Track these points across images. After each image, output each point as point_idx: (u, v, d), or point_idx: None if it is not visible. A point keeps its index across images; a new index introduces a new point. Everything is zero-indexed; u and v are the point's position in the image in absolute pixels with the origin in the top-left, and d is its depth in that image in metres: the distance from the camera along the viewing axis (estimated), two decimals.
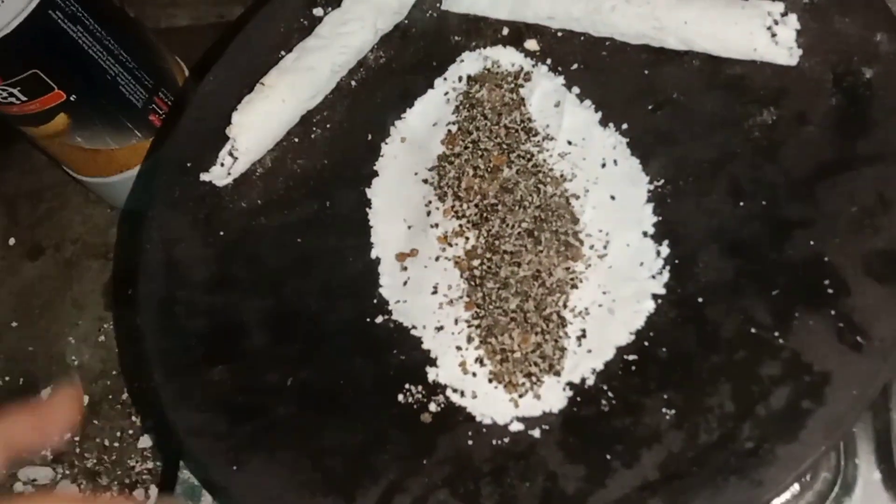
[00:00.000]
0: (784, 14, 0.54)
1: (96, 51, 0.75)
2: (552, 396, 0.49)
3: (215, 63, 0.65)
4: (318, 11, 0.64)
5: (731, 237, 0.52)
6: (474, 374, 0.51)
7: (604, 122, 0.56)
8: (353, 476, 0.50)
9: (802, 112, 0.53)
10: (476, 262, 0.53)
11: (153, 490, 0.77)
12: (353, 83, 0.62)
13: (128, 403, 0.81)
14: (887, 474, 0.53)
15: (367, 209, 0.57)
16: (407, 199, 0.57)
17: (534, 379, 0.50)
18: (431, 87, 0.61)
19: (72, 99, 0.74)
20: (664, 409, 0.48)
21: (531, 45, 0.60)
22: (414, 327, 0.53)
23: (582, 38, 0.59)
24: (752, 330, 0.49)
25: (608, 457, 0.48)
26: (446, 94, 0.59)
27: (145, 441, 0.79)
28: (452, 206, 0.55)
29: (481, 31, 0.62)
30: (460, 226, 0.54)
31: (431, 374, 0.51)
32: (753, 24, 0.54)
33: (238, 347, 0.55)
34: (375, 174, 0.58)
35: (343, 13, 0.62)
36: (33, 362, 0.84)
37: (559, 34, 0.60)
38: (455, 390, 0.51)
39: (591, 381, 0.50)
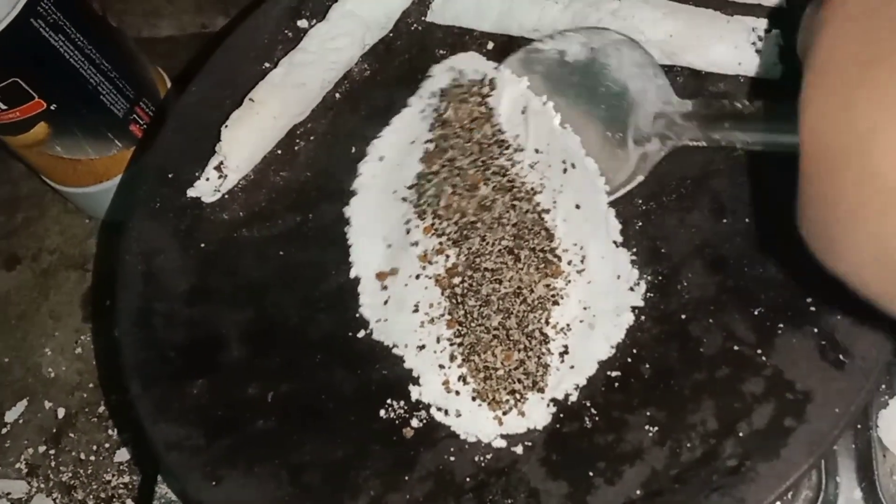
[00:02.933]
0: (768, 30, 0.54)
1: (78, 60, 0.74)
2: (536, 413, 0.49)
3: (198, 73, 0.65)
4: (302, 23, 0.64)
5: (713, 254, 0.52)
6: (458, 393, 0.50)
7: (562, 122, 0.56)
8: (334, 491, 0.49)
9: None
10: (457, 280, 0.52)
11: None
12: (338, 95, 0.62)
13: (104, 416, 0.80)
14: (868, 493, 0.53)
15: (347, 227, 0.57)
16: (386, 217, 0.56)
17: (517, 396, 0.49)
18: (406, 105, 0.60)
19: (52, 108, 0.74)
20: (647, 426, 0.48)
21: None
22: (395, 346, 0.53)
23: None
24: (735, 347, 0.48)
25: (591, 474, 0.47)
26: (422, 111, 0.59)
27: (122, 455, 0.79)
28: (432, 225, 0.54)
29: (466, 44, 0.62)
30: (440, 244, 0.54)
31: (414, 392, 0.51)
32: (738, 38, 0.54)
33: (217, 360, 0.55)
34: (354, 193, 0.58)
35: (331, 27, 0.62)
36: (9, 374, 0.83)
37: None
38: (439, 409, 0.50)
39: (574, 398, 0.49)
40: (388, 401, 0.51)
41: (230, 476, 0.50)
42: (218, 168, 0.59)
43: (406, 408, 0.51)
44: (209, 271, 0.58)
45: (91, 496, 0.77)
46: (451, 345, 0.51)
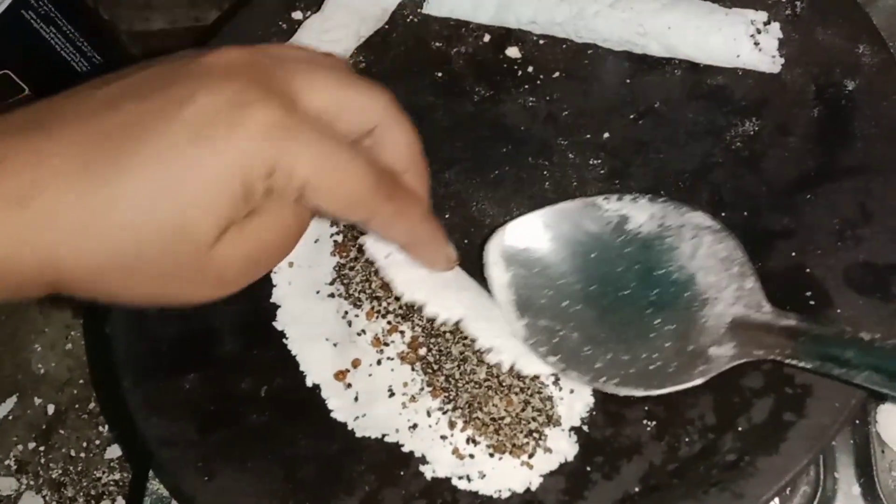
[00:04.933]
0: (767, 23, 0.54)
1: (69, 52, 0.73)
2: (562, 445, 0.48)
3: None
4: (297, 15, 0.64)
5: None
6: (472, 456, 0.48)
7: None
8: (328, 486, 0.49)
9: (784, 123, 0.53)
10: (423, 351, 0.51)
11: (120, 501, 0.75)
12: None
13: (95, 413, 0.80)
14: (867, 488, 0.53)
15: (284, 340, 0.54)
16: (320, 319, 0.54)
17: (536, 435, 0.48)
18: None
19: None
20: (645, 421, 0.47)
21: (513, 52, 0.60)
22: (386, 435, 0.50)
23: (564, 45, 0.59)
24: None
25: (588, 468, 0.47)
26: None
27: (112, 451, 0.78)
28: (373, 308, 0.52)
29: (462, 36, 0.61)
30: (389, 323, 0.52)
31: (427, 472, 0.49)
32: (737, 30, 0.54)
33: (210, 354, 0.54)
34: (277, 306, 0.55)
35: (325, 19, 0.61)
36: None
37: (541, 42, 0.59)
38: (460, 478, 0.48)
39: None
40: (402, 492, 0.49)
41: (223, 471, 0.50)
42: None
43: (423, 489, 0.48)
44: None
45: (81, 493, 0.76)
46: (445, 413, 0.49)
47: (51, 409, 0.80)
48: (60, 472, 0.78)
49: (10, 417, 0.80)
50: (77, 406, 0.80)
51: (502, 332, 0.49)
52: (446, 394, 0.50)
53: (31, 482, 0.77)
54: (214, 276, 0.40)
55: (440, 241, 0.48)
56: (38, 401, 0.80)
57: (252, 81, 0.38)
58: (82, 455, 0.78)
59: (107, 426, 0.78)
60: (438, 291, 0.51)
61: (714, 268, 0.48)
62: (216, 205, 0.38)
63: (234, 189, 0.38)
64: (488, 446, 0.48)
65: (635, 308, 0.48)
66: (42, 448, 0.78)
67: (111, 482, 0.77)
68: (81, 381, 0.81)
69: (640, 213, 0.50)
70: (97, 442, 0.78)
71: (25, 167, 0.36)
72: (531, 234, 0.51)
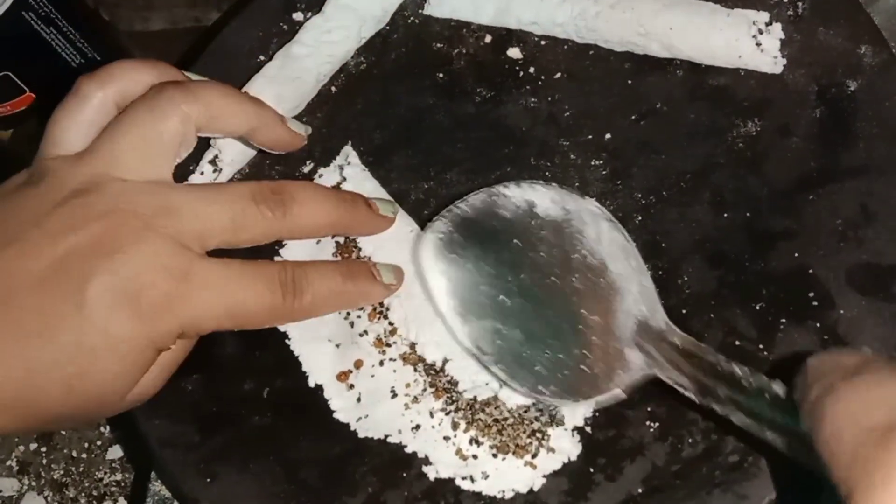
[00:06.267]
0: (769, 23, 0.54)
1: (69, 53, 0.73)
2: (565, 445, 0.48)
3: (191, 68, 0.64)
4: (297, 16, 0.63)
5: (714, 248, 0.51)
6: (475, 457, 0.48)
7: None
8: (331, 488, 0.49)
9: (786, 124, 0.53)
10: (426, 362, 0.51)
11: (122, 502, 0.75)
12: (334, 89, 0.61)
13: None
14: None
15: (287, 340, 0.54)
16: (322, 319, 0.53)
17: (539, 435, 0.48)
18: None
19: (43, 102, 0.73)
20: (648, 422, 0.47)
21: (514, 53, 0.60)
22: (388, 436, 0.50)
23: (565, 46, 0.59)
24: (736, 342, 0.48)
25: (591, 469, 0.47)
26: None
27: (114, 452, 0.78)
28: (375, 309, 0.53)
29: (463, 37, 0.61)
30: (390, 324, 0.52)
31: (431, 472, 0.49)
32: (739, 31, 0.54)
33: (212, 355, 0.54)
34: None
35: (326, 20, 0.61)
36: None
37: (542, 42, 0.59)
38: (463, 478, 0.48)
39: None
40: (405, 493, 0.49)
41: (225, 472, 0.50)
42: (213, 162, 0.58)
43: (426, 490, 0.49)
44: None
45: (83, 494, 0.76)
46: (447, 414, 0.49)
47: None
48: (62, 472, 0.77)
49: None
50: None
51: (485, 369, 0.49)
52: (449, 395, 0.50)
53: (33, 483, 0.77)
54: (130, 404, 0.46)
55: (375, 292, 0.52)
56: None
57: (141, 258, 0.42)
58: (84, 456, 0.78)
59: (108, 427, 0.78)
60: (429, 327, 0.51)
61: (618, 256, 0.47)
62: (132, 372, 0.43)
63: (147, 356, 0.43)
64: (491, 447, 0.48)
65: (564, 297, 0.47)
66: (44, 449, 0.78)
67: (113, 483, 0.77)
68: None
69: (543, 198, 0.49)
70: (99, 443, 0.78)
71: None
72: (453, 233, 0.50)
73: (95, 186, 0.43)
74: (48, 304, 0.40)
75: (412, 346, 0.51)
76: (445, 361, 0.50)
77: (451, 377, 0.50)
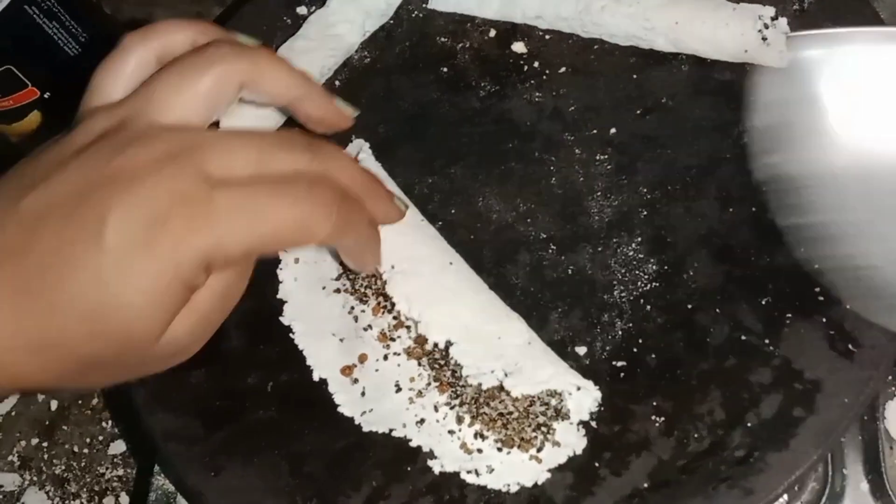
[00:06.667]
0: (774, 18, 0.54)
1: (72, 47, 0.73)
2: (570, 439, 0.47)
3: None
4: (301, 10, 0.63)
5: (720, 243, 0.51)
6: (480, 451, 0.48)
7: None
8: (335, 481, 0.49)
9: None
10: (430, 346, 0.51)
11: (124, 497, 0.75)
12: (338, 83, 0.61)
13: (98, 409, 0.79)
14: (875, 484, 0.53)
15: (291, 334, 0.54)
16: (326, 314, 0.54)
17: (545, 429, 0.47)
18: None
19: (45, 96, 0.73)
20: (653, 417, 0.47)
21: (518, 47, 0.60)
22: (393, 430, 0.50)
23: (570, 40, 0.59)
24: (743, 337, 0.48)
25: (596, 464, 0.47)
26: None
27: (115, 447, 0.78)
28: (379, 304, 0.52)
29: (468, 32, 0.61)
30: (394, 318, 0.52)
31: (436, 466, 0.48)
32: (745, 25, 0.53)
33: (216, 349, 0.53)
34: (283, 302, 0.55)
35: (330, 14, 0.61)
36: None
37: (547, 37, 0.59)
38: (469, 472, 0.48)
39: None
40: (410, 488, 0.49)
41: (230, 466, 0.50)
42: None
43: (430, 483, 0.48)
44: None
45: (84, 489, 0.76)
46: (452, 408, 0.49)
47: (54, 404, 0.80)
48: (64, 467, 0.77)
49: (13, 413, 0.80)
50: (80, 402, 0.79)
51: (490, 354, 0.49)
52: (453, 389, 0.49)
53: (35, 478, 0.77)
54: (167, 355, 0.42)
55: (378, 244, 0.48)
56: (41, 396, 0.80)
57: (162, 187, 0.39)
58: (85, 451, 0.78)
59: (110, 422, 0.78)
60: (435, 307, 0.51)
61: None
62: (159, 310, 0.39)
63: (174, 294, 0.39)
64: (496, 441, 0.48)
65: None
66: (45, 444, 0.78)
67: (114, 478, 0.76)
68: None
69: None
70: (100, 438, 0.78)
71: None
72: None
73: (123, 126, 0.42)
74: (67, 239, 0.39)
75: (416, 338, 0.51)
76: (449, 344, 0.50)
77: (455, 361, 0.49)
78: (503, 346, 0.49)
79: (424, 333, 0.50)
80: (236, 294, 0.43)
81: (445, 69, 0.60)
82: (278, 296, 0.55)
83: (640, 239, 0.52)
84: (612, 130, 0.56)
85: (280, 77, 0.46)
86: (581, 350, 0.50)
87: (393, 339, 0.52)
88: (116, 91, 0.44)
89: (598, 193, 0.54)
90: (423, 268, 0.52)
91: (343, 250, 0.48)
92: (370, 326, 0.52)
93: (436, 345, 0.50)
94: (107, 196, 0.39)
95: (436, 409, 0.49)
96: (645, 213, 0.53)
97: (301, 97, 0.47)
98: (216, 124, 0.47)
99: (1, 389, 0.40)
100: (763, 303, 0.49)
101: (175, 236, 0.39)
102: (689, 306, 0.50)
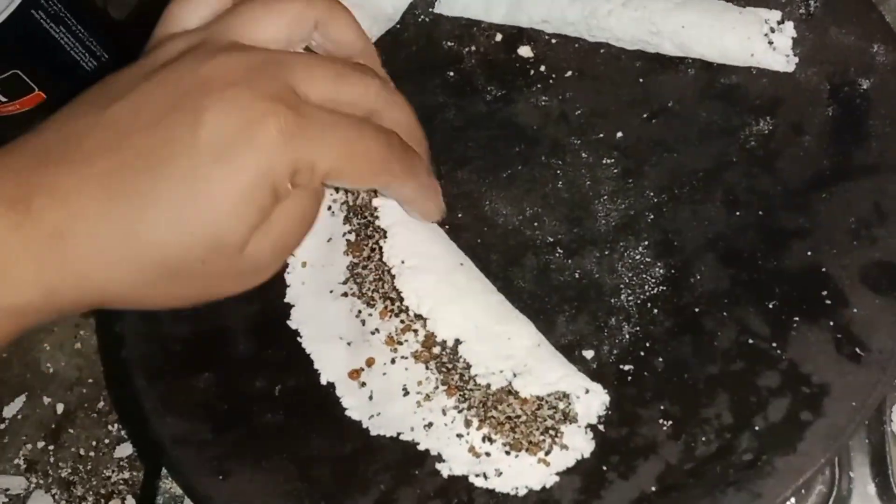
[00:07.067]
0: (781, 22, 0.54)
1: (78, 52, 0.73)
2: (578, 442, 0.47)
3: None
4: None
5: (727, 246, 0.51)
6: (488, 454, 0.48)
7: None
8: (343, 485, 0.49)
9: (799, 122, 0.53)
10: (437, 349, 0.51)
11: (130, 501, 0.75)
12: None
13: (104, 412, 0.79)
14: (882, 488, 0.53)
15: (299, 338, 0.54)
16: (334, 318, 0.54)
17: (553, 432, 0.47)
18: None
19: (52, 101, 0.73)
20: (661, 420, 0.47)
21: (525, 51, 0.60)
22: (401, 433, 0.50)
23: (576, 44, 0.59)
24: (750, 340, 0.48)
25: (604, 468, 0.47)
26: (329, 207, 0.56)
27: (122, 451, 0.78)
28: (386, 307, 0.53)
29: (474, 36, 0.61)
30: (402, 321, 0.52)
31: (444, 470, 0.48)
32: (751, 29, 0.54)
33: (224, 353, 0.54)
34: (290, 306, 0.55)
35: None
36: (7, 369, 0.82)
37: (553, 41, 0.59)
38: (477, 475, 0.48)
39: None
40: (417, 491, 0.49)
41: (238, 470, 0.50)
42: None
43: (439, 487, 0.48)
44: None
45: (91, 492, 0.76)
46: (460, 411, 0.49)
47: (60, 408, 0.80)
48: (70, 471, 0.77)
49: (20, 417, 0.80)
50: (86, 405, 0.80)
51: (499, 354, 0.49)
52: (461, 392, 0.49)
53: (41, 481, 0.77)
54: (249, 270, 0.42)
55: (438, 193, 0.50)
56: (47, 400, 0.80)
57: (255, 91, 0.39)
58: (91, 454, 0.78)
59: (116, 425, 0.78)
60: (444, 304, 0.51)
61: None
62: (247, 214, 0.40)
63: (263, 197, 0.40)
64: (504, 444, 0.48)
65: None
66: (51, 447, 0.78)
67: (121, 481, 0.77)
68: (90, 381, 0.81)
69: None
70: (106, 441, 0.78)
71: (54, 204, 0.38)
72: None
73: (207, 43, 0.42)
74: (160, 140, 0.39)
75: (424, 341, 0.51)
76: (458, 343, 0.50)
77: (464, 364, 0.49)
78: (512, 347, 0.49)
79: (433, 330, 0.50)
80: (310, 220, 0.44)
81: (452, 73, 0.60)
82: (286, 300, 0.55)
83: (646, 243, 0.52)
84: (619, 134, 0.56)
85: (349, 25, 0.47)
86: (588, 354, 0.50)
87: (400, 343, 0.52)
88: (192, 20, 0.45)
89: (605, 197, 0.54)
90: (434, 265, 0.52)
91: (407, 200, 0.50)
92: (377, 330, 0.52)
93: (444, 345, 0.50)
94: (201, 98, 0.39)
95: (444, 412, 0.49)
96: (652, 216, 0.53)
97: (363, 51, 0.48)
98: None
99: (79, 304, 0.39)
100: (770, 306, 0.49)
101: (271, 139, 0.39)
102: (697, 310, 0.50)
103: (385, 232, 0.52)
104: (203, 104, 0.39)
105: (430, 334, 0.51)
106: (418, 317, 0.51)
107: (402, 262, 0.51)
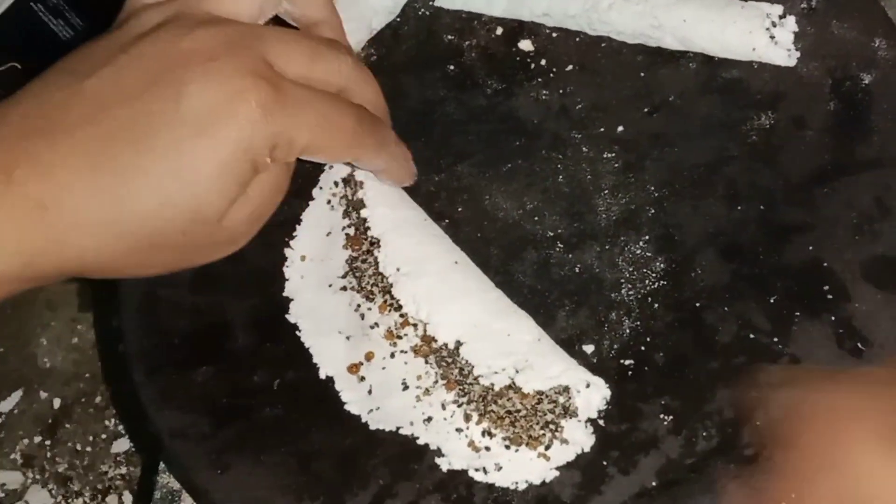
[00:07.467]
0: (782, 16, 0.54)
1: (77, 44, 0.73)
2: (578, 436, 0.47)
3: None
4: None
5: (728, 241, 0.51)
6: (488, 449, 0.48)
7: None
8: (342, 479, 0.48)
9: (800, 116, 0.53)
10: (438, 345, 0.51)
11: (127, 496, 0.75)
12: None
13: (101, 407, 0.79)
14: None
15: (297, 332, 0.54)
16: (333, 312, 0.53)
17: (553, 427, 0.47)
18: (311, 199, 0.57)
19: None
20: (661, 415, 0.47)
21: (526, 45, 0.59)
22: (400, 428, 0.50)
23: (577, 38, 0.59)
24: (751, 335, 0.48)
25: (604, 462, 0.47)
26: (328, 201, 0.56)
27: (118, 446, 0.78)
28: (385, 302, 0.52)
29: (475, 29, 0.61)
30: (401, 316, 0.52)
31: (443, 464, 0.48)
32: (753, 23, 0.54)
33: (223, 347, 0.54)
34: (289, 299, 0.55)
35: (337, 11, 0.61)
36: (4, 364, 0.82)
37: (554, 34, 0.59)
38: (476, 469, 0.48)
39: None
40: (418, 486, 0.48)
41: (237, 464, 0.50)
42: None
43: (438, 482, 0.48)
44: None
45: (87, 487, 0.76)
46: (459, 406, 0.49)
47: (57, 403, 0.80)
48: (66, 466, 0.77)
49: (16, 412, 0.80)
50: (83, 400, 0.80)
51: (500, 352, 0.49)
52: (461, 387, 0.49)
53: (38, 476, 0.77)
54: (225, 240, 0.44)
55: (409, 158, 0.52)
56: (44, 395, 0.80)
57: (236, 66, 0.40)
58: (88, 449, 0.78)
59: (113, 420, 0.78)
60: (442, 307, 0.51)
61: None
62: (227, 186, 0.41)
63: (243, 171, 0.41)
64: (504, 438, 0.48)
65: None
66: (48, 442, 0.78)
67: (117, 476, 0.76)
68: (88, 376, 0.81)
69: None
70: (103, 436, 0.78)
71: (36, 175, 0.38)
72: None
73: (182, 15, 0.42)
74: (142, 113, 0.40)
75: (423, 336, 0.51)
76: (459, 344, 0.50)
77: (466, 361, 0.49)
78: (513, 343, 0.49)
79: (433, 334, 0.50)
80: (282, 192, 0.45)
81: (452, 67, 0.60)
82: (285, 293, 0.54)
83: (647, 237, 0.52)
84: (620, 128, 0.56)
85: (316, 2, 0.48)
86: (589, 348, 0.50)
87: (400, 337, 0.51)
88: None
89: (606, 191, 0.54)
90: (429, 267, 0.52)
91: (379, 170, 0.51)
92: (377, 324, 0.52)
93: (445, 345, 0.50)
94: (182, 72, 0.40)
95: (443, 406, 0.49)
96: (652, 211, 0.53)
97: (329, 20, 0.49)
98: None
99: (57, 274, 0.40)
100: (771, 301, 0.49)
101: (252, 114, 0.40)
102: (697, 304, 0.50)
103: (379, 241, 0.53)
104: (184, 78, 0.40)
105: (430, 335, 0.51)
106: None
107: (398, 269, 0.51)
